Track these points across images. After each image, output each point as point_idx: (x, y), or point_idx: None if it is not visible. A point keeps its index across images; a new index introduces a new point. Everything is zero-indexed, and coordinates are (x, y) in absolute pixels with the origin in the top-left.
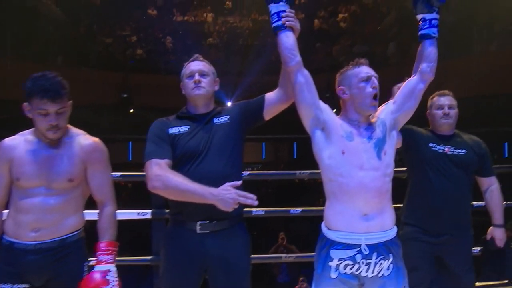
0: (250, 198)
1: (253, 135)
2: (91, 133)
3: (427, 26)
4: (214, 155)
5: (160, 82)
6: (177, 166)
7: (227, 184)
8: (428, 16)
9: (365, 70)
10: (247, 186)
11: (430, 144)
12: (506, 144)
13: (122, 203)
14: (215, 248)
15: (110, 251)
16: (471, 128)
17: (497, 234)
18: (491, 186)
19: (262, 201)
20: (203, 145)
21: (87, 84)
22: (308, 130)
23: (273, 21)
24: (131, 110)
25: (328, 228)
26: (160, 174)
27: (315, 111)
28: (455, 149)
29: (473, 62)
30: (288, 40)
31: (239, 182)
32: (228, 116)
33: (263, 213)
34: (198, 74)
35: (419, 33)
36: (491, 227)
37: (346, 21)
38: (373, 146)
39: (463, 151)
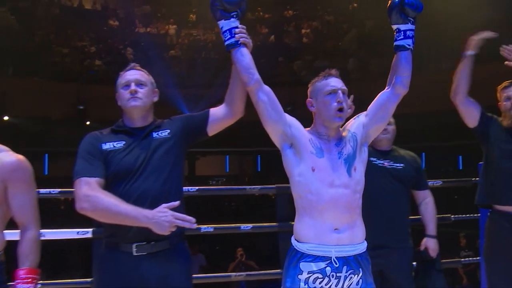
0: (188, 221)
1: (216, 147)
2: (44, 145)
3: (401, 37)
4: (152, 173)
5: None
6: (111, 185)
7: (163, 205)
8: (403, 26)
9: (332, 82)
10: (212, 199)
11: (371, 159)
12: (460, 157)
13: (64, 220)
14: (153, 271)
15: (30, 280)
16: (428, 141)
17: (430, 244)
18: (426, 199)
19: (224, 215)
20: (140, 162)
21: (40, 96)
22: (278, 146)
23: (226, 38)
24: (88, 123)
25: (298, 241)
26: (90, 194)
27: (283, 127)
28: (393, 163)
29: (427, 79)
30: (244, 58)
31: (177, 203)
32: (168, 131)
33: (212, 229)
34: (135, 84)
35: (394, 43)
36: (425, 238)
37: (308, 36)
38: (343, 162)
39: (401, 165)
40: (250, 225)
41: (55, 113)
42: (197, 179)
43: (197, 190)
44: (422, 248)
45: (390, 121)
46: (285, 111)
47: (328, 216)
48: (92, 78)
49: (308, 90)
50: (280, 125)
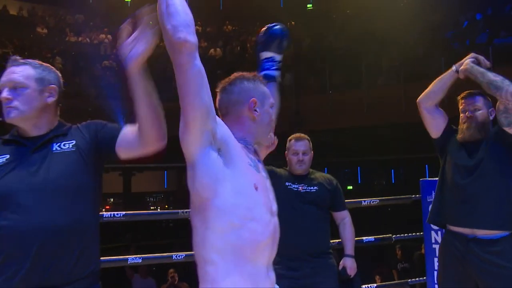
0: None
1: (154, 163)
2: None
3: (275, 67)
4: (45, 199)
5: None
6: None
7: None
8: (277, 57)
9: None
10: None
11: (287, 183)
12: (393, 170)
13: None
14: None
15: None
16: (363, 156)
17: (348, 263)
18: (344, 219)
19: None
20: (27, 183)
21: None
22: (192, 152)
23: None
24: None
25: None
26: None
27: (212, 123)
28: (308, 186)
29: (363, 95)
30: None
31: None
32: (73, 142)
33: (140, 260)
34: (8, 89)
35: (267, 73)
36: (343, 257)
37: (247, 51)
38: (269, 184)
39: (315, 188)
40: (183, 253)
41: None
42: (133, 196)
43: (124, 215)
44: (340, 267)
45: (306, 150)
46: None
47: (266, 256)
48: None
49: (248, 87)
50: (210, 119)
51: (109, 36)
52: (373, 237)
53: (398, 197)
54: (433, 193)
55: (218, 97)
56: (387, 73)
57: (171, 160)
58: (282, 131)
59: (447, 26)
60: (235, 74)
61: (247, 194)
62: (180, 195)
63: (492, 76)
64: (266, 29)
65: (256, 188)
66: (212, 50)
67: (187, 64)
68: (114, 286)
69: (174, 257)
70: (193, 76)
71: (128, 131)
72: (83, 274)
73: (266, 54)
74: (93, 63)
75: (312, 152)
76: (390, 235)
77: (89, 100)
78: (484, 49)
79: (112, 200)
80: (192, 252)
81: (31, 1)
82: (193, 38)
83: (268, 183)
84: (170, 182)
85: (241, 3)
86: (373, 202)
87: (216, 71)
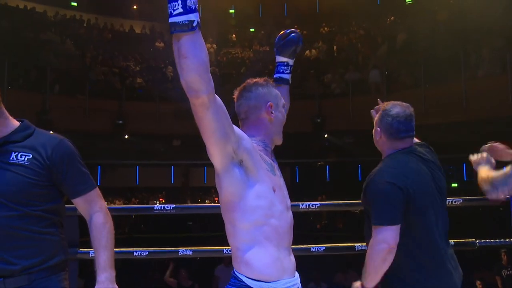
0: None
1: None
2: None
3: (288, 71)
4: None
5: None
6: None
7: None
8: (291, 62)
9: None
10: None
11: None
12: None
13: None
14: None
15: None
16: (465, 152)
17: None
18: None
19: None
20: None
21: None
22: (217, 166)
23: (176, 11)
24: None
25: (259, 280)
26: None
27: (233, 145)
28: None
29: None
30: (202, 48)
31: None
32: (30, 156)
33: (146, 254)
34: None
35: (282, 76)
36: None
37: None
38: (283, 182)
39: None
40: (191, 248)
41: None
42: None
43: (173, 208)
44: None
45: None
46: (315, 123)
47: (286, 242)
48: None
49: (263, 92)
50: (229, 143)
51: (214, 45)
52: (453, 241)
53: (474, 197)
54: None
55: (236, 103)
56: (488, 63)
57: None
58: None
59: None
60: (249, 81)
61: (267, 197)
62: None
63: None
64: (283, 35)
65: (274, 190)
66: (307, 52)
67: (201, 113)
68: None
69: (181, 252)
70: (208, 121)
71: (82, 200)
72: (36, 263)
73: (281, 59)
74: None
75: None
76: (474, 239)
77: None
78: None
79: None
80: (200, 248)
81: (152, 20)
82: (205, 91)
83: (282, 181)
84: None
85: (337, 4)
86: (455, 202)
87: (310, 71)
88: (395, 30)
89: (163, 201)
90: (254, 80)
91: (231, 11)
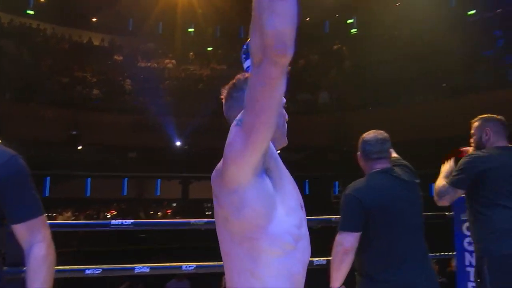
0: None
1: (208, 173)
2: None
3: None
4: None
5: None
6: None
7: None
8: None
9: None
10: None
11: None
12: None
13: None
14: None
15: None
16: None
17: None
18: None
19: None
20: None
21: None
22: (244, 176)
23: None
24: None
25: None
26: None
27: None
28: None
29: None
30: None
31: None
32: None
33: (100, 271)
34: None
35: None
36: None
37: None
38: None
39: None
40: (194, 264)
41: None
42: (192, 201)
43: (132, 223)
44: None
45: None
46: None
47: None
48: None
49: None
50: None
51: (173, 61)
52: None
53: (432, 213)
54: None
55: (225, 105)
56: (429, 89)
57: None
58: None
59: (485, 45)
60: (239, 77)
61: (295, 214)
62: None
63: None
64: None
65: (302, 207)
66: None
67: (277, 79)
68: None
69: (183, 267)
70: (279, 93)
71: (22, 228)
72: None
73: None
74: (157, 84)
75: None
76: None
77: (150, 116)
78: None
79: (174, 204)
80: (203, 263)
81: (111, 33)
82: (291, 50)
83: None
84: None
85: None
86: None
87: None
88: (342, 56)
89: (115, 213)
90: (246, 75)
91: (190, 29)
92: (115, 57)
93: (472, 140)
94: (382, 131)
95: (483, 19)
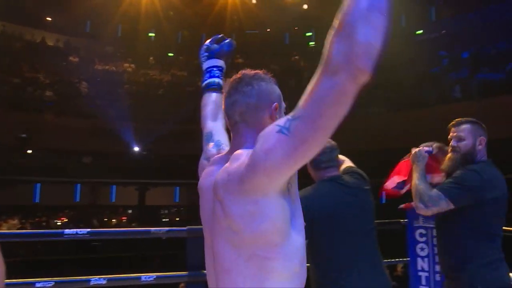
0: None
1: (166, 179)
2: None
3: (222, 76)
4: None
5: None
6: None
7: None
8: (224, 67)
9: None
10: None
11: None
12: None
13: None
14: None
15: None
16: None
17: None
18: None
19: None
20: None
21: None
22: (271, 186)
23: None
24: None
25: None
26: None
27: None
28: None
29: (357, 122)
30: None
31: None
32: None
33: (52, 284)
34: None
35: (216, 80)
36: None
37: None
38: None
39: None
40: (154, 275)
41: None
42: (148, 208)
43: (88, 232)
44: None
45: None
46: None
47: None
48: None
49: (267, 89)
50: None
51: (132, 65)
52: None
53: (386, 221)
54: (420, 218)
55: (228, 100)
56: (382, 102)
57: (182, 177)
58: None
59: (432, 63)
60: (246, 72)
61: (303, 232)
62: (190, 209)
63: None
64: (216, 39)
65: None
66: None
67: (350, 97)
68: None
69: (143, 278)
70: (344, 113)
71: None
72: None
73: (216, 62)
74: (116, 88)
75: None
76: None
77: (107, 121)
78: (468, 83)
79: (130, 211)
80: (164, 273)
81: (66, 34)
82: (372, 67)
83: None
84: (181, 197)
85: (251, 40)
86: None
87: None
88: (301, 67)
89: (65, 220)
90: (254, 71)
91: (150, 34)
92: (71, 58)
93: (455, 145)
94: (329, 139)
95: (429, 39)
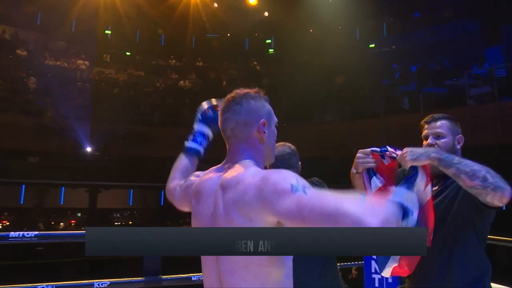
0: None
1: (120, 181)
2: None
3: (205, 146)
4: None
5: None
6: None
7: None
8: (211, 137)
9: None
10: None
11: None
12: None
13: None
14: None
15: None
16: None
17: None
18: None
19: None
20: None
21: None
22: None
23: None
24: None
25: None
26: None
27: None
28: None
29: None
30: None
31: None
32: None
33: None
34: None
35: (197, 147)
36: None
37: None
38: None
39: None
40: (107, 281)
41: None
42: (99, 211)
43: (36, 235)
44: None
45: None
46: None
47: None
48: None
49: (256, 106)
50: None
51: (86, 62)
52: None
53: None
54: None
55: (222, 117)
56: (336, 110)
57: (137, 179)
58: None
59: (384, 75)
60: (239, 92)
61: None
62: (144, 212)
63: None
64: (216, 106)
65: None
66: (182, 82)
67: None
68: None
69: (95, 285)
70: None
71: None
72: None
73: (204, 129)
74: (67, 85)
75: None
76: None
77: (57, 119)
78: (415, 96)
79: (79, 214)
80: (118, 279)
81: (14, 25)
82: None
83: None
84: (135, 200)
85: (211, 43)
86: None
87: (185, 100)
88: (260, 73)
89: (7, 223)
90: (244, 90)
91: (107, 31)
92: (18, 52)
93: (433, 142)
94: (289, 144)
95: (381, 53)
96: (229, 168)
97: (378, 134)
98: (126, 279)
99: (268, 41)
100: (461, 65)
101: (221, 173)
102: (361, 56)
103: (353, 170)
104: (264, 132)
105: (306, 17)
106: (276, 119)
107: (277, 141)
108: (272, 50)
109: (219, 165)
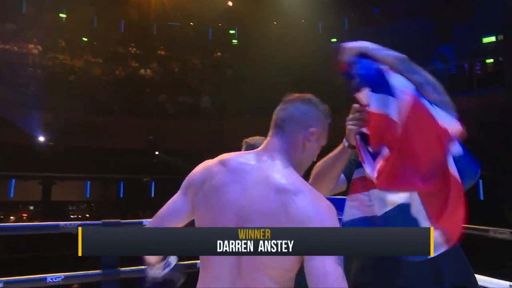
0: None
1: (77, 173)
2: None
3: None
4: None
5: None
6: None
7: None
8: (174, 263)
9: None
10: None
11: None
12: None
13: None
14: None
15: None
16: None
17: None
18: None
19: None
20: None
21: None
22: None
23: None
24: None
25: None
26: None
27: None
28: None
29: None
30: None
31: None
32: None
33: (1, 285)
34: None
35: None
36: None
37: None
38: None
39: None
40: (61, 274)
41: None
42: (54, 204)
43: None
44: None
45: None
46: (148, 140)
47: None
48: None
49: (316, 114)
50: None
51: (38, 46)
52: None
53: None
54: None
55: (282, 106)
56: None
57: (95, 171)
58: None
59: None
60: (310, 96)
61: None
62: (102, 205)
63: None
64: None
65: None
66: (142, 70)
67: None
68: None
69: (48, 279)
70: None
71: None
72: None
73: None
74: (18, 71)
75: None
76: None
77: (5, 107)
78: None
79: (32, 207)
80: (73, 273)
81: None
82: None
83: None
84: (92, 192)
85: (173, 31)
86: None
87: (145, 90)
88: (223, 63)
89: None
90: (316, 98)
91: (61, 15)
92: None
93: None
94: (262, 137)
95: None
96: (268, 165)
97: (338, 126)
98: (82, 272)
99: (232, 31)
100: (416, 62)
101: (260, 164)
102: (323, 49)
103: (345, 143)
104: (309, 141)
105: (271, 8)
106: (325, 142)
107: (244, 134)
108: (236, 40)
109: (250, 151)
